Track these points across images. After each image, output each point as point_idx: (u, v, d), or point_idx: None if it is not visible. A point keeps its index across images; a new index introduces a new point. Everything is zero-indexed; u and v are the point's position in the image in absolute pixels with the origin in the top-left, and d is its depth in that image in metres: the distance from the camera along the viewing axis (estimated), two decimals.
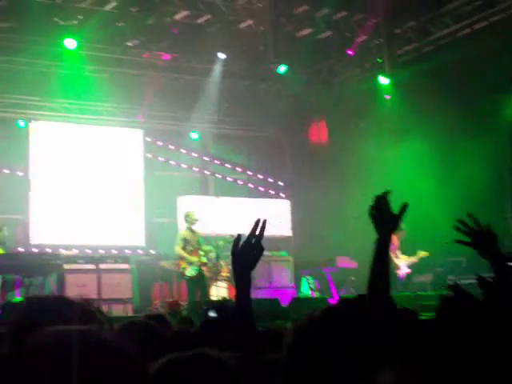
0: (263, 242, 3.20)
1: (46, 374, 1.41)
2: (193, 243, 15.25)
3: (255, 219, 3.17)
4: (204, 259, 15.32)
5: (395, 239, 16.22)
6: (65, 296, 2.49)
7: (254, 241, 3.18)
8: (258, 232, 3.17)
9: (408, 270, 16.27)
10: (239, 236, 3.20)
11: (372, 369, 2.01)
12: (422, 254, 16.18)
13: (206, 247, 15.59)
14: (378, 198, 3.33)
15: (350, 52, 18.22)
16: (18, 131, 17.86)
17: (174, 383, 1.86)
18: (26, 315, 2.21)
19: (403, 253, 16.33)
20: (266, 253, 3.39)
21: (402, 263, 16.20)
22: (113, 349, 1.51)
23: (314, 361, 2.15)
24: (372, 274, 3.19)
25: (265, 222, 3.15)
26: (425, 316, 4.64)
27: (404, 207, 3.28)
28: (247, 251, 3.17)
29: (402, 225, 15.99)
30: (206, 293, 15.33)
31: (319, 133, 20.06)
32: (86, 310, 2.20)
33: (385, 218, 3.28)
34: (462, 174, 16.10)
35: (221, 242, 15.71)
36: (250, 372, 2.14)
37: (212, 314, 6.32)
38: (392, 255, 16.10)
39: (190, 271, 15.00)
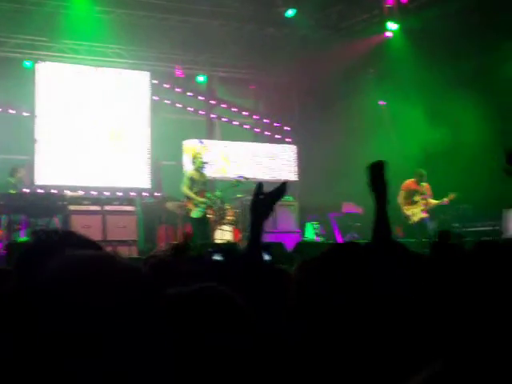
0: (268, 186, 3.23)
1: (71, 295, 1.42)
2: (199, 184, 15.14)
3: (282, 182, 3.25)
4: (209, 201, 15.25)
5: (413, 184, 15.75)
6: (72, 230, 2.49)
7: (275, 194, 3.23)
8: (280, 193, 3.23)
9: (422, 216, 15.90)
10: (260, 184, 3.22)
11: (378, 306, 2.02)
12: (451, 196, 15.53)
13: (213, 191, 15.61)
14: (374, 167, 3.33)
15: None
16: (24, 72, 17.75)
17: (188, 312, 1.90)
18: (35, 247, 2.22)
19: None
20: None
21: (416, 210, 15.86)
22: (133, 271, 1.53)
23: (320, 298, 2.17)
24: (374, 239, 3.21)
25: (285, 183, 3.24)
26: None
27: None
28: (265, 204, 3.21)
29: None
30: (208, 235, 15.30)
31: (327, 78, 19.89)
32: (95, 243, 2.21)
33: (379, 185, 3.29)
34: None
35: (226, 186, 15.71)
36: (260, 310, 2.16)
37: (217, 257, 6.32)
38: (403, 203, 15.77)
39: (196, 213, 14.92)
